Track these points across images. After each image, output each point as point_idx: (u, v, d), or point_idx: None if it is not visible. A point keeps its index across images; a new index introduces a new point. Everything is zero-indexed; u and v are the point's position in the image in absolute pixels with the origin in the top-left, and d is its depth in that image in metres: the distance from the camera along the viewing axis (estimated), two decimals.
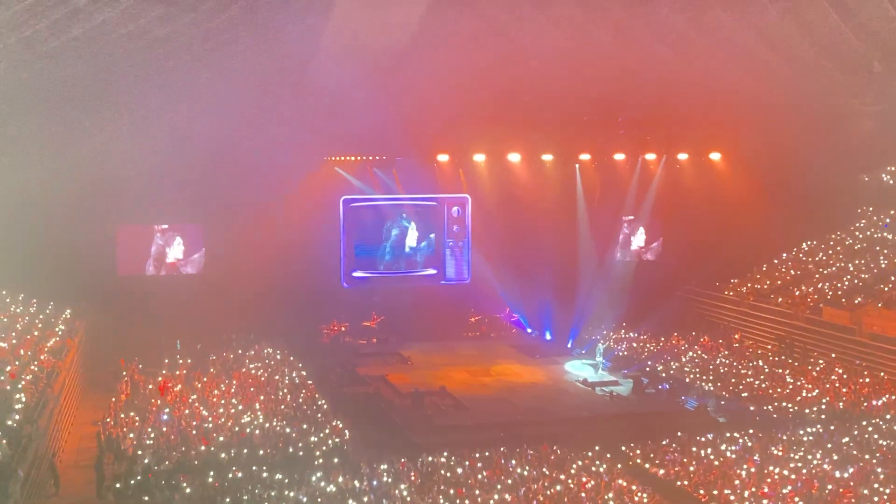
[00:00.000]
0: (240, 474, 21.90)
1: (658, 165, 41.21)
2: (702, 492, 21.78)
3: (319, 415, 26.30)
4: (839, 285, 36.67)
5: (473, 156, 39.57)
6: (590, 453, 23.85)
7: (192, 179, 34.86)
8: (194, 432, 24.31)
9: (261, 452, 23.52)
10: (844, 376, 30.81)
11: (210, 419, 25.30)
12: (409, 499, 20.87)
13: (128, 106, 28.56)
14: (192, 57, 25.12)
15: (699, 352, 34.79)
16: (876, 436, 25.24)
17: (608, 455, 23.97)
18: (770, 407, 28.41)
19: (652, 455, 24.12)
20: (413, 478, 21.92)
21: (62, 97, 26.24)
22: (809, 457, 23.47)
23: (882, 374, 30.77)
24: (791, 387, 29.85)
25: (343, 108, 32.08)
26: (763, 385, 30.21)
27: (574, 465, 22.99)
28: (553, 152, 39.90)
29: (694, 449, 24.25)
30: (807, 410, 27.95)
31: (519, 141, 39.07)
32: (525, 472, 22.32)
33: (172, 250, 37.56)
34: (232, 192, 35.96)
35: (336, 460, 23.35)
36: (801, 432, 25.69)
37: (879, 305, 33.55)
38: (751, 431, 25.73)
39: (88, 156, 31.63)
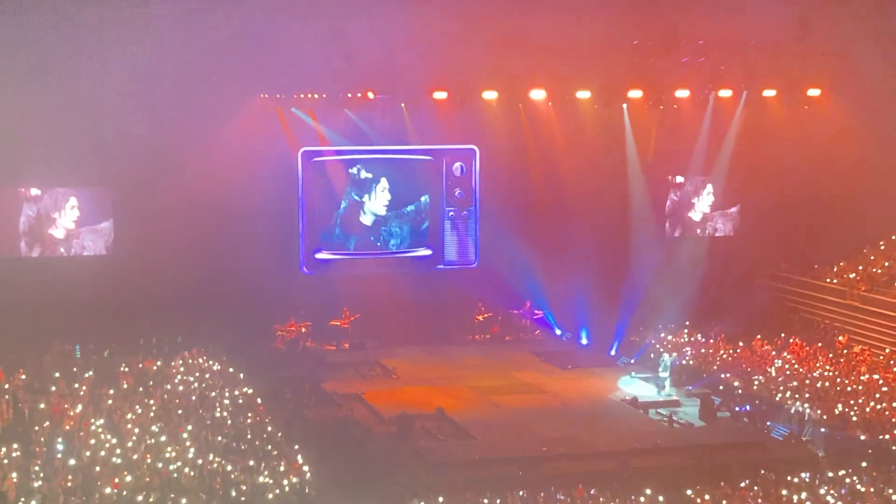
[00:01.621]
0: None
1: (736, 105, 41.01)
2: None
3: (270, 446, 26.31)
4: None
5: (483, 93, 39.35)
6: (642, 499, 23.86)
7: (92, 129, 34.79)
8: (99, 469, 24.28)
9: (184, 502, 23.45)
10: None
11: (122, 452, 25.25)
12: None
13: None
14: None
15: (791, 361, 34.82)
16: None
17: (667, 501, 23.95)
18: (887, 436, 28.41)
19: (726, 501, 24.13)
20: None
21: None
22: None
23: None
24: None
25: (301, 26, 31.98)
26: (878, 406, 30.22)
27: None
28: (591, 88, 39.67)
29: (784, 493, 24.26)
30: None
31: (544, 72, 38.84)
32: None
33: (63, 218, 37.25)
34: (147, 146, 35.80)
35: None
36: None
37: None
38: (862, 467, 25.73)
39: None
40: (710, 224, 43.47)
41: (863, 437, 28.54)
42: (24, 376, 31.25)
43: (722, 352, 36.11)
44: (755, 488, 24.65)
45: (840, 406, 30.31)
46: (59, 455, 25.13)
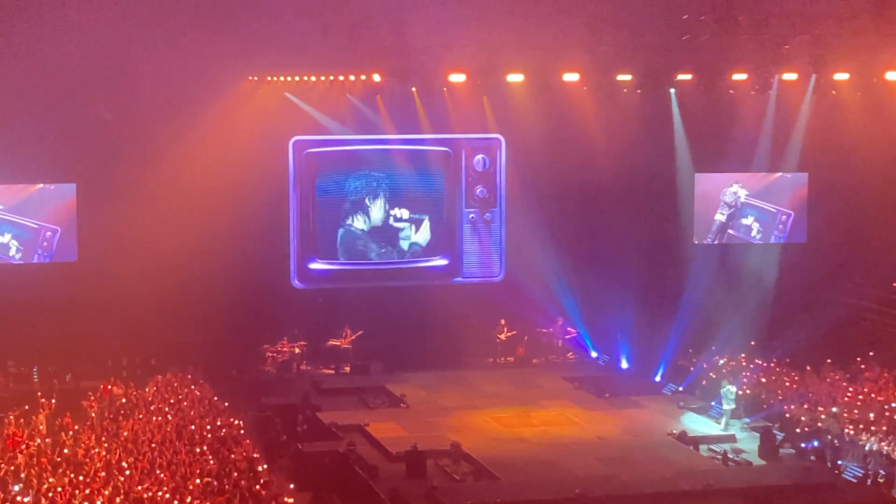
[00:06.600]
0: None
1: (804, 91, 41.02)
2: None
3: (258, 486, 26.34)
4: None
5: (507, 75, 39.46)
6: None
7: (50, 115, 35.01)
8: None
9: None
10: None
11: (87, 492, 25.22)
12: None
13: None
14: None
15: (866, 389, 34.76)
16: None
17: None
18: None
19: None
20: None
21: None
22: None
23: None
24: None
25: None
26: None
27: None
28: (634, 70, 39.74)
29: None
30: None
31: (579, 51, 38.92)
32: None
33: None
34: (115, 135, 36.14)
35: None
36: None
37: None
38: None
39: None
40: (773, 230, 43.39)
41: None
42: None
43: (785, 378, 36.06)
44: None
45: None
46: (13, 494, 25.19)
